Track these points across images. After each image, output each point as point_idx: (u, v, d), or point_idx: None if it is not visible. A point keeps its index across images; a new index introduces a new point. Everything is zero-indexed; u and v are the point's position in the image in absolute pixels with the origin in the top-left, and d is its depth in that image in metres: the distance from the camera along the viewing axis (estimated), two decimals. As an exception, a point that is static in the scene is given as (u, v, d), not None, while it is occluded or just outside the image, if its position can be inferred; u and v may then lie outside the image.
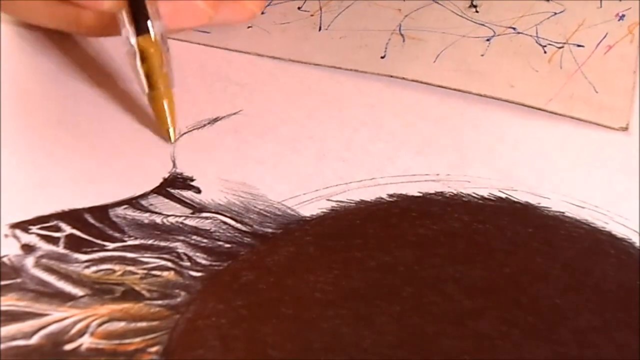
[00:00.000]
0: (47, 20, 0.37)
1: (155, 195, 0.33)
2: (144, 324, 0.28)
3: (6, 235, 0.31)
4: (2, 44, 0.39)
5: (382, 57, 0.39)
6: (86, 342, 0.27)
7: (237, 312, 0.28)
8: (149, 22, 0.34)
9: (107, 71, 0.38)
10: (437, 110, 0.37)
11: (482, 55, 0.39)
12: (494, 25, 0.41)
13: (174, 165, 0.34)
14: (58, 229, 0.31)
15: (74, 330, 0.28)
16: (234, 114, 0.36)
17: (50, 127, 0.35)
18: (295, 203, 0.33)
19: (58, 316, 0.28)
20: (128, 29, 0.34)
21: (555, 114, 0.36)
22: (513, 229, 0.32)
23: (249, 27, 0.40)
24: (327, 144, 0.35)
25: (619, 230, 0.32)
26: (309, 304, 0.29)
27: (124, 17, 0.34)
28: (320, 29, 0.40)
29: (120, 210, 0.32)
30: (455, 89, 0.38)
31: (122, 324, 0.28)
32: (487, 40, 0.40)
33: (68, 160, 0.34)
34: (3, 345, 0.27)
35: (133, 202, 0.32)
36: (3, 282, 0.29)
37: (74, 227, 0.31)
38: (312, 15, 0.41)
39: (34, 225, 0.31)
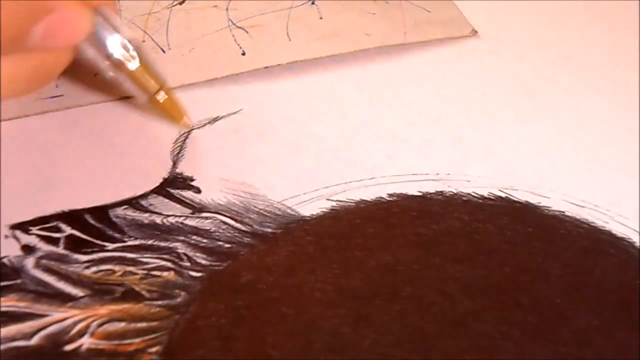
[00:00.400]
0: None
1: (155, 195, 0.33)
2: (144, 324, 0.28)
3: (6, 236, 0.31)
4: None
5: (242, 54, 0.39)
6: (86, 342, 0.27)
7: (237, 312, 0.28)
8: (119, 36, 0.32)
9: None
10: (437, 110, 0.37)
11: (321, 19, 0.40)
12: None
13: (174, 165, 0.34)
14: (58, 230, 0.31)
15: (74, 331, 0.28)
16: (234, 113, 0.36)
17: (50, 126, 0.35)
18: (295, 203, 0.33)
19: (58, 317, 0.28)
20: (105, 48, 0.32)
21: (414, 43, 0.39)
22: (513, 228, 0.32)
23: (95, 74, 0.35)
24: (327, 143, 0.35)
25: (619, 230, 0.32)
26: (309, 304, 0.29)
27: (97, 38, 0.32)
28: (164, 51, 0.39)
29: (120, 211, 0.32)
30: (325, 57, 0.39)
31: (122, 325, 0.28)
32: (312, 3, 0.41)
33: (68, 160, 0.34)
34: (3, 346, 0.27)
35: (133, 203, 0.32)
36: (3, 283, 0.29)
37: (74, 227, 0.31)
38: (143, 41, 0.39)
39: (34, 226, 0.31)
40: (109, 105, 0.36)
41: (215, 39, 0.39)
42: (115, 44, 0.32)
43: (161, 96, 0.34)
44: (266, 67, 0.38)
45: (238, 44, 0.39)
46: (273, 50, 0.39)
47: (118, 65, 0.33)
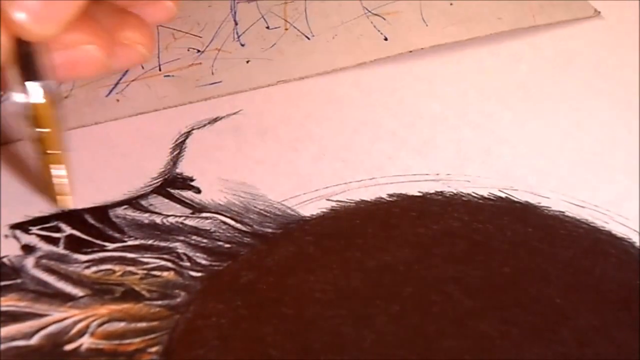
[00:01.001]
0: None
1: (155, 195, 0.33)
2: (144, 324, 0.28)
3: (6, 236, 0.31)
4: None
5: (385, 40, 0.40)
6: (86, 342, 0.27)
7: (237, 312, 0.28)
8: (40, 84, 0.30)
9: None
10: (437, 110, 0.37)
11: (451, 4, 0.42)
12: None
13: (174, 165, 0.34)
14: (58, 230, 0.31)
15: (74, 331, 0.28)
16: (234, 113, 0.36)
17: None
18: (295, 203, 0.33)
19: (58, 316, 0.28)
20: (18, 89, 0.30)
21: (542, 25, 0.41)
22: (513, 228, 0.32)
23: (247, 61, 0.39)
24: (327, 143, 0.35)
25: (619, 230, 0.32)
26: (309, 304, 0.29)
27: (14, 75, 0.30)
28: (308, 38, 0.40)
29: (120, 211, 0.32)
30: (463, 40, 0.40)
31: (122, 324, 0.28)
32: None
33: (68, 160, 0.34)
34: (3, 346, 0.27)
35: (133, 202, 0.32)
36: (3, 283, 0.29)
37: (73, 227, 0.31)
38: (286, 30, 0.40)
39: (34, 225, 0.31)
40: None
41: (355, 26, 0.41)
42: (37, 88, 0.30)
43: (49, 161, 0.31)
44: (410, 52, 0.39)
45: (378, 30, 0.40)
46: (413, 36, 0.40)
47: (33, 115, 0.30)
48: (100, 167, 0.34)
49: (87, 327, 0.28)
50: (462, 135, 0.36)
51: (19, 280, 0.29)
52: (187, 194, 0.33)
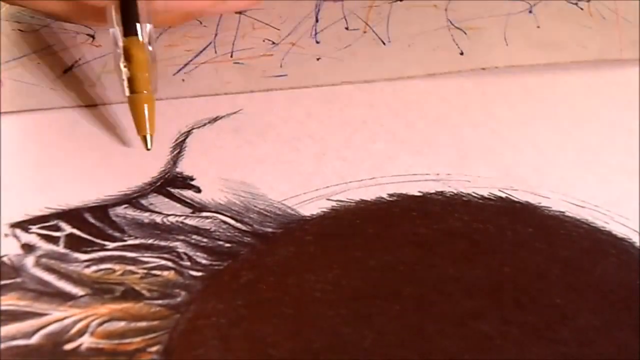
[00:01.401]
0: (44, 6, 0.37)
1: (155, 194, 0.33)
2: (144, 324, 0.28)
3: (6, 235, 0.31)
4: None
5: (461, 54, 0.40)
6: (86, 341, 0.27)
7: (237, 312, 0.28)
8: (138, 25, 0.34)
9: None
10: (437, 110, 0.37)
11: (538, 27, 0.41)
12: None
13: (174, 165, 0.34)
14: (58, 229, 0.31)
15: (74, 330, 0.28)
16: (234, 113, 0.36)
17: (51, 126, 0.35)
18: (295, 202, 0.33)
19: (58, 316, 0.28)
20: (116, 28, 0.34)
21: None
22: (513, 228, 0.32)
23: (317, 59, 0.39)
24: (327, 143, 0.35)
25: (619, 230, 0.32)
26: (309, 304, 0.29)
27: (113, 16, 0.34)
28: (384, 43, 0.40)
29: (120, 210, 0.32)
30: (543, 64, 0.39)
31: (122, 324, 0.28)
32: (530, 12, 0.42)
33: (68, 159, 0.34)
34: (3, 345, 0.27)
35: (133, 202, 0.32)
36: (3, 282, 0.29)
37: (74, 226, 0.31)
38: (364, 32, 0.41)
39: (34, 224, 0.31)
40: (109, 105, 0.36)
41: (434, 37, 0.41)
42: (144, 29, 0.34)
43: (138, 100, 0.34)
44: (483, 69, 0.39)
45: (456, 44, 0.40)
46: (491, 53, 0.40)
47: (126, 52, 0.33)
48: (101, 166, 0.34)
49: (87, 326, 0.28)
50: (462, 135, 0.36)
51: (19, 279, 0.29)
52: (188, 194, 0.33)
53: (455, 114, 0.37)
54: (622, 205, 0.33)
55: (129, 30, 0.34)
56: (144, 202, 0.32)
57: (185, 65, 0.38)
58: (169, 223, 0.31)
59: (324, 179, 0.34)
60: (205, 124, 0.36)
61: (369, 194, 0.33)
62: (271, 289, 0.29)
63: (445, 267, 0.30)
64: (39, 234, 0.31)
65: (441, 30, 0.41)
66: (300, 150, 0.35)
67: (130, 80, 0.34)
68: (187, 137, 0.35)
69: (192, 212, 0.32)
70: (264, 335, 0.28)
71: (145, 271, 0.30)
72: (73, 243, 0.30)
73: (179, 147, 0.35)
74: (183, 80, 0.38)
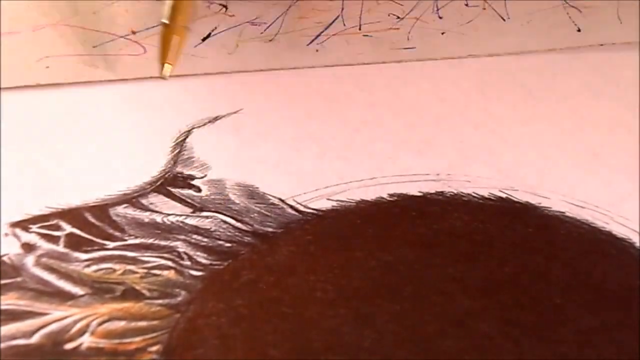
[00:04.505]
0: None
1: (155, 194, 0.33)
2: (144, 323, 0.28)
3: (6, 234, 0.31)
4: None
5: (578, 31, 0.41)
6: (86, 341, 0.27)
7: (237, 312, 0.28)
8: None
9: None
10: (437, 110, 0.37)
11: None
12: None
13: (174, 164, 0.34)
14: (58, 228, 0.31)
15: (74, 330, 0.28)
16: (234, 112, 0.36)
17: (51, 126, 0.35)
18: (295, 202, 0.33)
19: (58, 315, 0.28)
20: None
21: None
22: (513, 228, 0.32)
23: (442, 33, 0.41)
24: (327, 143, 0.35)
25: (619, 231, 0.32)
26: (309, 304, 0.29)
27: None
28: (504, 19, 0.42)
29: (120, 209, 0.32)
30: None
31: (122, 323, 0.28)
32: None
33: (68, 158, 0.34)
34: (3, 345, 0.27)
35: (133, 201, 0.32)
36: (3, 281, 0.29)
37: (74, 225, 0.31)
38: (484, 9, 0.42)
39: (34, 224, 0.31)
40: (110, 105, 0.36)
41: (551, 14, 0.42)
42: None
43: (171, 30, 0.35)
44: (601, 45, 0.41)
45: (573, 21, 0.42)
46: (606, 30, 0.41)
47: None
48: (101, 166, 0.34)
49: (88, 325, 0.28)
50: (462, 135, 0.36)
51: (19, 279, 0.29)
52: (188, 193, 0.33)
53: (455, 114, 0.37)
54: (622, 205, 0.33)
55: None
56: (144, 201, 0.32)
57: (317, 36, 0.40)
58: (169, 222, 0.31)
59: (324, 178, 0.34)
60: (205, 124, 0.36)
61: (369, 194, 0.33)
62: (271, 288, 0.29)
63: (446, 267, 0.30)
64: (39, 234, 0.31)
65: (557, 8, 0.42)
66: (300, 150, 0.35)
67: (173, 9, 0.35)
68: (187, 136, 0.35)
69: (193, 212, 0.32)
70: (264, 335, 0.28)
71: (145, 271, 0.30)
72: (73, 242, 0.30)
73: (180, 146, 0.35)
74: (317, 50, 0.40)
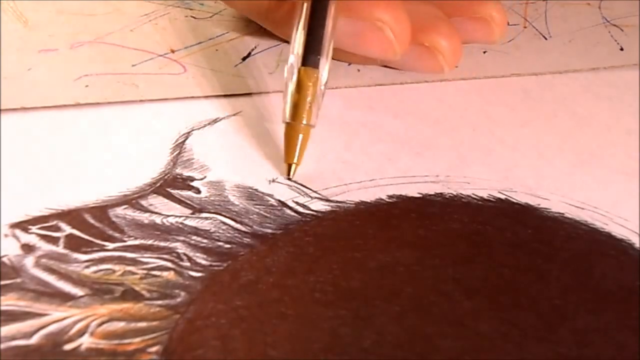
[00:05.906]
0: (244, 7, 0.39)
1: (155, 195, 0.33)
2: (143, 324, 0.28)
3: (6, 235, 0.31)
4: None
5: (621, 50, 0.41)
6: (86, 342, 0.27)
7: (237, 312, 0.28)
8: (319, 58, 0.33)
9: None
10: (437, 110, 0.37)
11: None
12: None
13: (174, 166, 0.34)
14: (58, 229, 0.31)
15: (73, 330, 0.28)
16: (234, 114, 0.36)
17: (52, 124, 0.35)
18: (295, 204, 0.33)
19: (58, 316, 0.28)
20: (296, 52, 0.34)
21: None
22: (513, 230, 0.32)
23: (484, 52, 0.41)
24: (326, 144, 0.35)
25: (618, 232, 0.32)
26: (308, 304, 0.29)
27: (298, 41, 0.34)
28: (546, 38, 0.42)
29: (120, 210, 0.32)
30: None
31: (122, 324, 0.28)
32: None
33: (68, 159, 0.34)
34: (3, 345, 0.27)
35: (133, 202, 0.32)
36: (3, 282, 0.29)
37: (73, 227, 0.31)
38: (525, 27, 0.43)
39: (33, 225, 0.31)
40: (110, 105, 0.36)
41: (592, 33, 0.43)
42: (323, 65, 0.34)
43: (294, 128, 0.34)
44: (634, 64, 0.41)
45: (615, 40, 0.42)
46: None
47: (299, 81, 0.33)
48: (100, 167, 0.34)
49: (87, 326, 0.28)
50: (462, 136, 0.36)
51: (18, 280, 0.29)
52: (187, 194, 0.33)
53: (454, 116, 0.37)
54: (621, 206, 0.33)
55: (308, 60, 0.33)
56: (143, 202, 0.32)
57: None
58: (168, 224, 0.31)
59: (324, 180, 0.34)
60: (205, 125, 0.36)
61: (369, 196, 0.33)
62: (271, 289, 0.29)
63: (445, 268, 0.30)
64: (38, 235, 0.31)
65: (598, 27, 0.43)
66: (299, 151, 0.35)
67: (295, 107, 0.33)
68: (187, 138, 0.35)
69: (192, 213, 0.32)
70: (264, 336, 0.28)
71: (145, 272, 0.30)
72: (73, 243, 0.30)
73: (179, 148, 0.35)
74: (358, 70, 0.39)
